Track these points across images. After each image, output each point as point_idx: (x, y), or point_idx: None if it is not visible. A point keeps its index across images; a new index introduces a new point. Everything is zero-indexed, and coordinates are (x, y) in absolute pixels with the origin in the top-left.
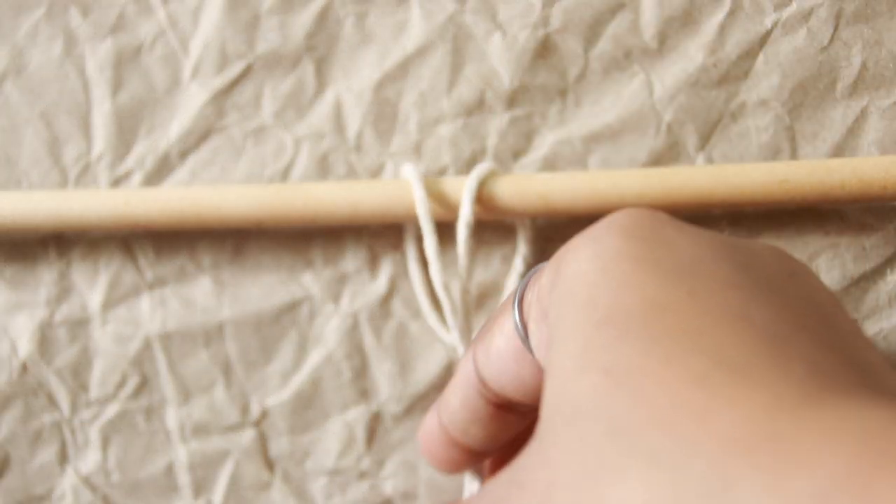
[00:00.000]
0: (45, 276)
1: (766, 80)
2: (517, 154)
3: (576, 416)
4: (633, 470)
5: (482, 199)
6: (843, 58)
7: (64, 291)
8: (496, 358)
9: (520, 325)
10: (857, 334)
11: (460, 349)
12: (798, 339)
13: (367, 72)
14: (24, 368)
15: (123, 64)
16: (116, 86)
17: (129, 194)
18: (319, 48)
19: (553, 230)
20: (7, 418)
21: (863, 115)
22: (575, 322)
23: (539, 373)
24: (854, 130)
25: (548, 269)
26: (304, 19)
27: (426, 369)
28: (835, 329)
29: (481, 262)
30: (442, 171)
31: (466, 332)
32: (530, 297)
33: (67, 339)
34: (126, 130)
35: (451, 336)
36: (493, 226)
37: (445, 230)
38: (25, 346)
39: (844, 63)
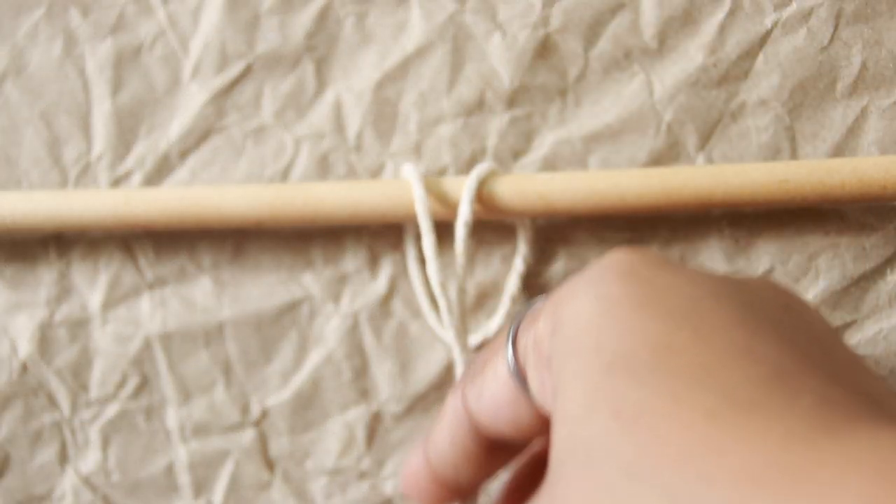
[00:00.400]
0: (45, 276)
1: (766, 80)
2: (517, 154)
3: (589, 459)
4: None
5: (482, 198)
6: (843, 58)
7: (64, 291)
8: (490, 401)
9: (514, 369)
10: (857, 363)
11: (457, 349)
12: (803, 372)
13: (368, 72)
14: (24, 368)
15: (123, 64)
16: (116, 86)
17: (129, 194)
18: (319, 48)
19: (553, 230)
20: (7, 418)
21: (863, 114)
22: (581, 367)
23: (536, 414)
24: (854, 130)
25: (544, 314)
26: (303, 19)
27: (426, 369)
28: (836, 359)
29: (481, 262)
30: (442, 171)
31: (463, 331)
32: (525, 342)
33: (67, 339)
34: (126, 130)
35: (448, 334)
36: (493, 226)
37: (445, 230)
38: (25, 346)
39: (844, 63)
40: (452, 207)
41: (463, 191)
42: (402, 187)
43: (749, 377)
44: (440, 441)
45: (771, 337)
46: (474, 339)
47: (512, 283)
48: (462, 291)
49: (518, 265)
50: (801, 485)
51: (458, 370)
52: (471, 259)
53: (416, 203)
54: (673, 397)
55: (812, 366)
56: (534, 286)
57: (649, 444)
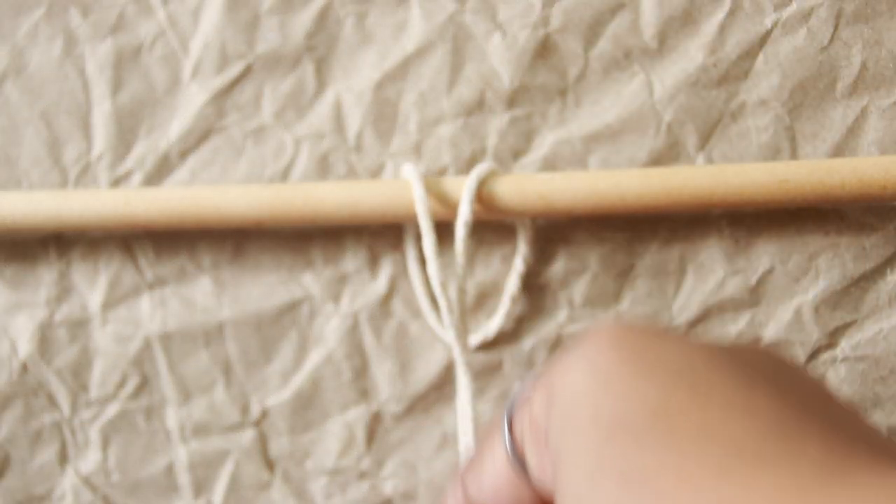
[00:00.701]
0: (45, 277)
1: (765, 80)
2: (517, 154)
3: None
4: None
5: (482, 198)
6: (843, 58)
7: (64, 291)
8: (490, 488)
9: (512, 451)
10: (853, 413)
11: (457, 349)
12: (804, 423)
13: (368, 72)
14: (24, 368)
15: (123, 64)
16: (116, 86)
17: (128, 194)
18: (319, 48)
19: (553, 230)
20: (7, 418)
21: (863, 114)
22: (581, 438)
23: (537, 495)
24: (854, 130)
25: (538, 391)
26: (303, 19)
27: (426, 369)
28: (833, 411)
29: (481, 262)
30: (442, 171)
31: (463, 331)
32: (521, 423)
33: (67, 339)
34: (126, 130)
35: (448, 334)
36: (493, 226)
37: (445, 230)
38: (25, 346)
39: (844, 63)
40: (452, 207)
41: (463, 191)
42: (401, 187)
43: (752, 431)
44: None
45: (768, 393)
46: (475, 338)
47: (512, 283)
48: (462, 291)
49: (518, 265)
50: None
51: (459, 370)
52: (471, 259)
53: (417, 203)
54: (680, 455)
55: (811, 417)
56: (534, 286)
57: (659, 502)
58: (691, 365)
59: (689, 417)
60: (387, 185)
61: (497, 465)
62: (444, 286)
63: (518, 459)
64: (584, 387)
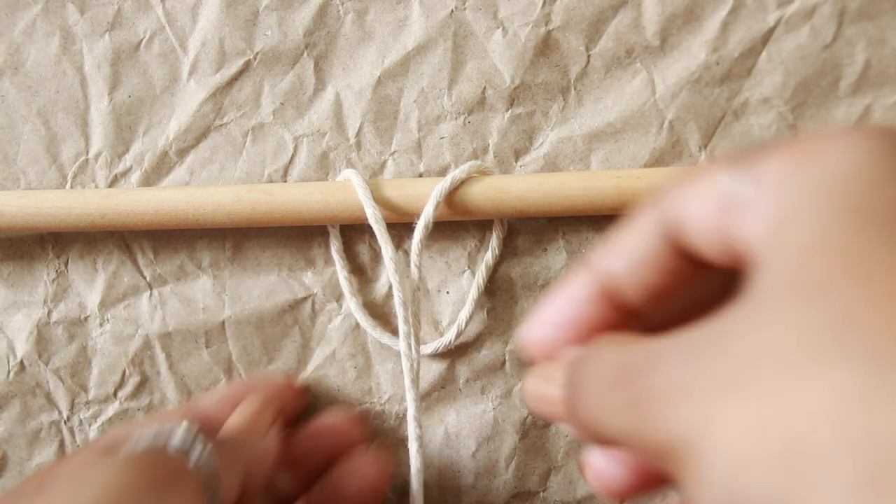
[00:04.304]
0: (43, 275)
1: (768, 78)
2: (519, 152)
3: (804, 293)
4: (854, 363)
5: (450, 202)
6: (847, 55)
7: (62, 290)
8: (697, 206)
9: (732, 188)
10: None
11: (406, 352)
12: None
13: (368, 69)
14: (21, 368)
15: (121, 61)
16: (114, 83)
17: (100, 199)
18: (319, 45)
19: (524, 225)
20: (5, 418)
21: (866, 113)
22: (821, 208)
23: (726, 240)
24: None
25: (785, 151)
26: (303, 16)
27: (428, 368)
28: None
29: (454, 259)
30: (443, 170)
31: (415, 338)
32: (753, 171)
33: (66, 339)
34: (124, 128)
35: (401, 343)
36: (468, 223)
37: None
38: (23, 346)
39: (848, 61)
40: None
41: (430, 196)
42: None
43: None
44: (628, 244)
45: None
46: (427, 348)
47: (479, 281)
48: (416, 301)
49: (488, 261)
50: None
51: (406, 379)
52: (445, 255)
53: (366, 208)
54: None
55: None
56: (498, 284)
57: (870, 299)
58: None
59: None
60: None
61: (712, 192)
62: (403, 290)
63: (736, 196)
64: (841, 166)
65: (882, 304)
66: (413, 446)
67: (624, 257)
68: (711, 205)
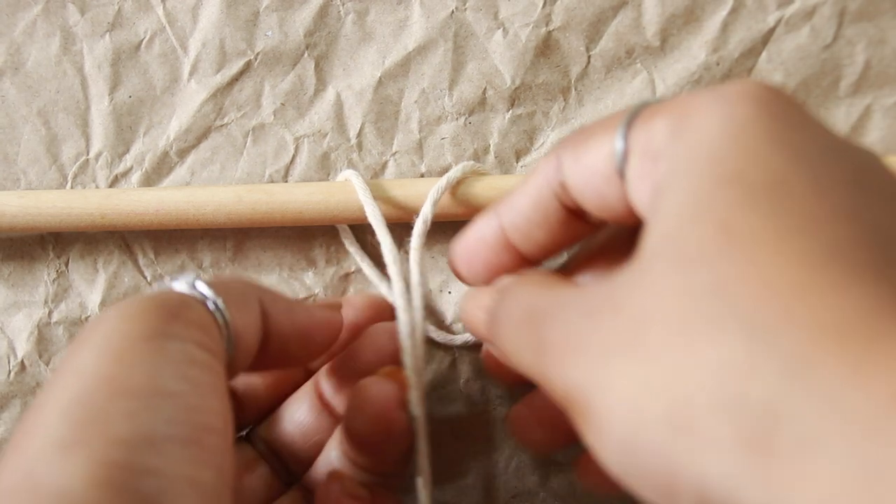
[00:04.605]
0: (44, 275)
1: (768, 78)
2: (519, 153)
3: (682, 261)
4: (728, 332)
5: (455, 198)
6: (847, 56)
7: (62, 290)
8: (584, 169)
9: (622, 150)
10: None
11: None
12: None
13: (368, 70)
14: (22, 368)
15: (122, 61)
16: (115, 83)
17: (100, 199)
18: (319, 46)
19: None
20: (5, 418)
21: (866, 113)
22: (696, 175)
23: (623, 200)
24: (857, 129)
25: (662, 116)
26: (303, 16)
27: (429, 368)
28: None
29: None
30: (444, 171)
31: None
32: (638, 134)
33: (66, 339)
34: (125, 128)
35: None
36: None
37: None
38: (23, 346)
39: (848, 61)
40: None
41: (428, 195)
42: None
43: (855, 238)
44: (521, 202)
45: (879, 208)
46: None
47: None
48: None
49: None
50: (874, 350)
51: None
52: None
53: (366, 207)
54: (781, 232)
55: None
56: None
57: (746, 267)
58: (822, 153)
59: (803, 203)
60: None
61: (600, 155)
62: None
63: (622, 160)
64: (715, 132)
65: (753, 274)
66: (421, 443)
67: (517, 214)
68: (597, 166)
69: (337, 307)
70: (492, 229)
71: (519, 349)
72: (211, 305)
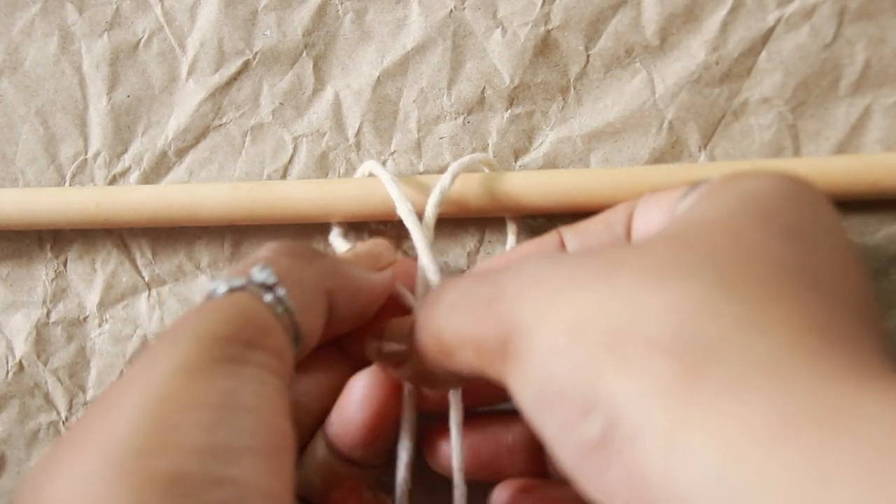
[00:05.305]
0: (42, 275)
1: (768, 78)
2: (518, 152)
3: (683, 243)
4: (701, 279)
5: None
6: (847, 55)
7: (60, 290)
8: (652, 205)
9: (679, 200)
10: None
11: None
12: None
13: (367, 69)
14: (20, 368)
15: (120, 61)
16: (113, 83)
17: (98, 193)
18: (318, 45)
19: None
20: (3, 418)
21: (866, 113)
22: (732, 203)
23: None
24: (858, 129)
25: (715, 179)
26: (302, 16)
27: None
28: (874, 319)
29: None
30: (443, 170)
31: None
32: (705, 184)
33: (64, 339)
34: (123, 128)
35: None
36: (494, 220)
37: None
38: (21, 346)
39: (848, 60)
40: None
41: (432, 191)
42: (373, 185)
43: (844, 296)
44: (593, 224)
45: (843, 313)
46: None
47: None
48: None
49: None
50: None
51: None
52: (474, 252)
53: (396, 201)
54: (786, 257)
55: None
56: None
57: (740, 260)
58: (821, 267)
59: (821, 253)
60: (359, 182)
61: (666, 197)
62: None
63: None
64: (763, 185)
65: (733, 258)
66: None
67: (583, 238)
68: (660, 211)
69: (389, 265)
70: (553, 244)
71: (461, 314)
72: (282, 314)
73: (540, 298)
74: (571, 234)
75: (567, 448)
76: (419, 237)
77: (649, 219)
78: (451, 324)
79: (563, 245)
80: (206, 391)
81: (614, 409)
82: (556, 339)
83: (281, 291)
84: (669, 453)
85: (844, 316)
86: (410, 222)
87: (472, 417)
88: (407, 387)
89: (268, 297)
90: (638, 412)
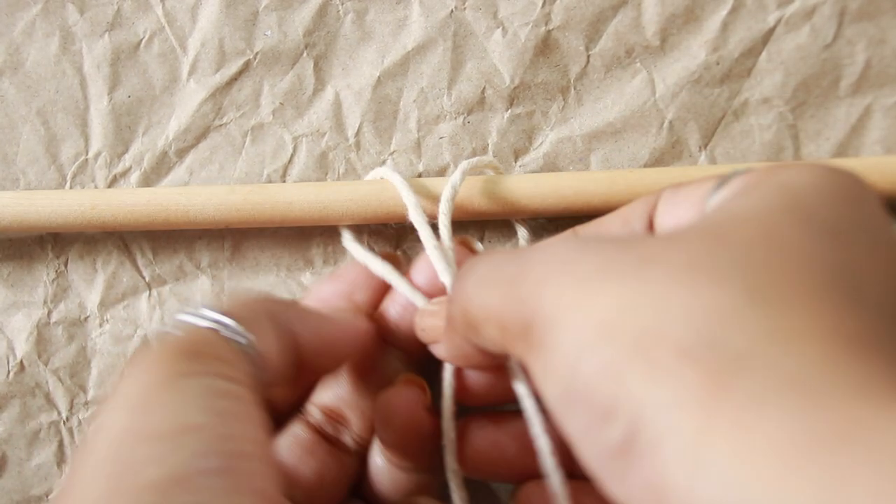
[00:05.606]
0: (43, 276)
1: (768, 78)
2: (518, 152)
3: (714, 239)
4: (729, 282)
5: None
6: (847, 55)
7: (61, 290)
8: (679, 198)
9: (716, 187)
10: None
11: None
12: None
13: (367, 69)
14: (21, 368)
15: (121, 61)
16: (114, 83)
17: (94, 195)
18: (318, 45)
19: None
20: (4, 418)
21: (866, 113)
22: (770, 198)
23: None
24: (858, 129)
25: (753, 171)
26: (302, 16)
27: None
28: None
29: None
30: (443, 170)
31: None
32: (737, 179)
33: (65, 339)
34: (124, 128)
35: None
36: (495, 223)
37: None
38: (23, 346)
39: (848, 61)
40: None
41: (443, 190)
42: (384, 188)
43: (880, 302)
44: (610, 220)
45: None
46: None
47: None
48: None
49: None
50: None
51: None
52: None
53: (407, 204)
54: (820, 257)
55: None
56: None
57: (770, 259)
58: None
59: (859, 251)
60: (370, 185)
61: (698, 196)
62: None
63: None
64: (801, 180)
65: (776, 264)
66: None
67: (602, 229)
68: (689, 208)
69: (360, 312)
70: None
71: (491, 288)
72: (227, 333)
73: (566, 286)
74: (588, 234)
75: (590, 449)
76: (431, 244)
77: (678, 213)
78: (479, 298)
79: None
80: (150, 422)
81: (639, 417)
82: (583, 337)
83: (214, 313)
84: (691, 465)
85: (885, 324)
86: (422, 227)
87: (497, 415)
88: (447, 370)
89: (203, 322)
90: (662, 422)
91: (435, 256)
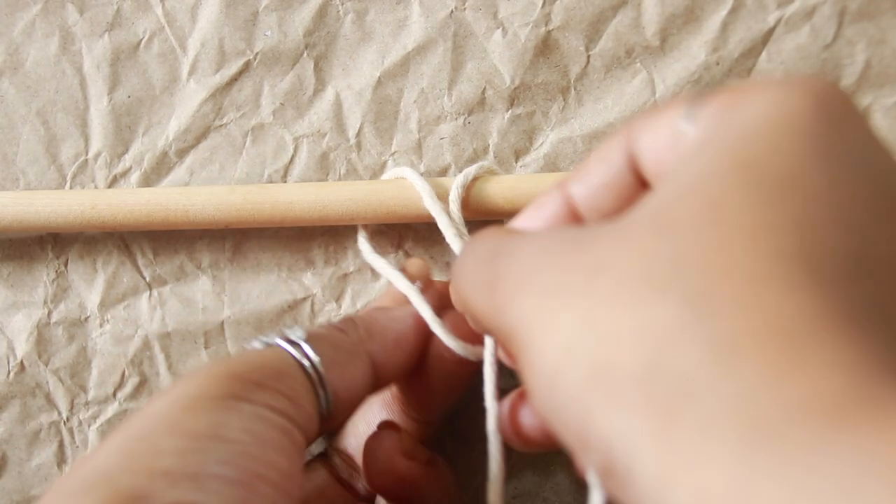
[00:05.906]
0: (43, 276)
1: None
2: (519, 153)
3: (659, 226)
4: (670, 301)
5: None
6: (847, 55)
7: (62, 291)
8: (655, 139)
9: (681, 127)
10: None
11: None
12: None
13: (368, 69)
14: (21, 368)
15: (121, 61)
16: (114, 83)
17: (94, 195)
18: (319, 46)
19: None
20: (5, 418)
21: (866, 113)
22: (714, 152)
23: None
24: None
25: (717, 98)
26: (303, 16)
27: None
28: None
29: None
30: (444, 171)
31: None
32: (701, 108)
33: (65, 339)
34: (123, 128)
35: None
36: (494, 224)
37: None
38: (23, 346)
39: (848, 61)
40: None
41: (451, 189)
42: (401, 187)
43: (838, 252)
44: (593, 172)
45: (883, 229)
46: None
47: None
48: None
49: None
50: (810, 351)
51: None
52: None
53: (425, 200)
54: (763, 226)
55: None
56: None
57: (712, 249)
58: (868, 164)
59: (809, 205)
60: (385, 184)
61: (670, 127)
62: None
63: (687, 127)
64: (756, 117)
65: (717, 257)
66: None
67: (587, 184)
68: (665, 139)
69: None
70: (555, 201)
71: (475, 290)
72: (310, 368)
73: (532, 303)
74: (577, 185)
75: (584, 465)
76: (456, 244)
77: (657, 147)
78: (466, 291)
79: (570, 200)
80: (194, 422)
81: (610, 448)
82: (552, 359)
83: (307, 347)
84: (659, 500)
85: (861, 307)
86: (442, 221)
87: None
88: (488, 345)
89: (293, 351)
90: (628, 455)
91: (456, 246)
